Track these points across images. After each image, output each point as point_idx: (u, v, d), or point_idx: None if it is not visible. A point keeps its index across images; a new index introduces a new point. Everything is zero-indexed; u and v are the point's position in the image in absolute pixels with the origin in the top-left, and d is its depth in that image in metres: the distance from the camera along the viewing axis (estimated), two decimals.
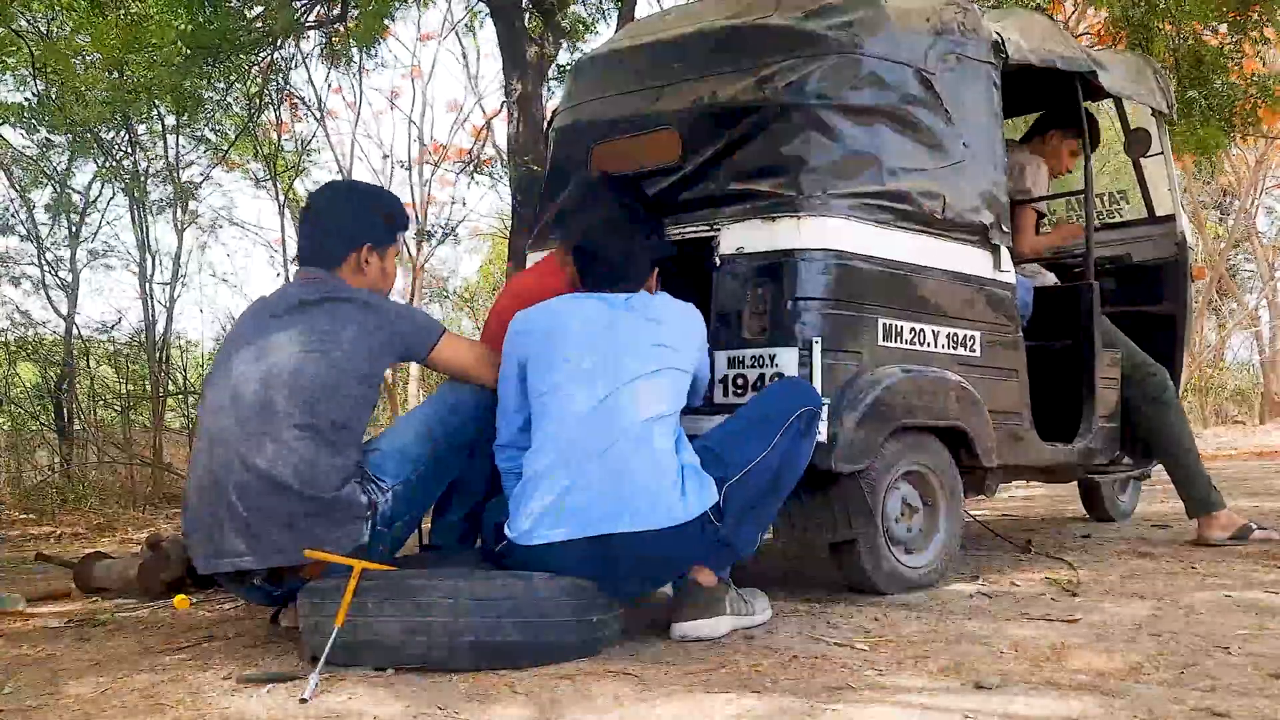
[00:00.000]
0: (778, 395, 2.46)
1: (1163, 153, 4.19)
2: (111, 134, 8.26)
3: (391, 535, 2.39)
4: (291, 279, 2.57)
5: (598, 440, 2.23)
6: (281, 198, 10.14)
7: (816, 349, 2.61)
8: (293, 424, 2.26)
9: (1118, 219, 4.51)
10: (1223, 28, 6.23)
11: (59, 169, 8.83)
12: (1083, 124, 3.69)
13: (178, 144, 8.85)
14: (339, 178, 14.24)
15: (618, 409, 2.25)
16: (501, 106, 8.15)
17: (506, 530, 2.29)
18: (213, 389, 2.39)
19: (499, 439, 2.46)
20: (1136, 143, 4.01)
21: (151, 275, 8.47)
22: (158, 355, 8.33)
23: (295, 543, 2.23)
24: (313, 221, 2.55)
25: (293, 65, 8.23)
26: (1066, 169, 4.18)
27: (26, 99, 7.59)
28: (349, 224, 2.52)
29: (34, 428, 8.32)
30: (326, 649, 2.04)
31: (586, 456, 2.22)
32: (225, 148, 9.47)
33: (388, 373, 2.50)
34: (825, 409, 2.54)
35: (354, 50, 7.36)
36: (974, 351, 3.03)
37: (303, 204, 2.68)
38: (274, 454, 2.24)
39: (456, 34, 14.08)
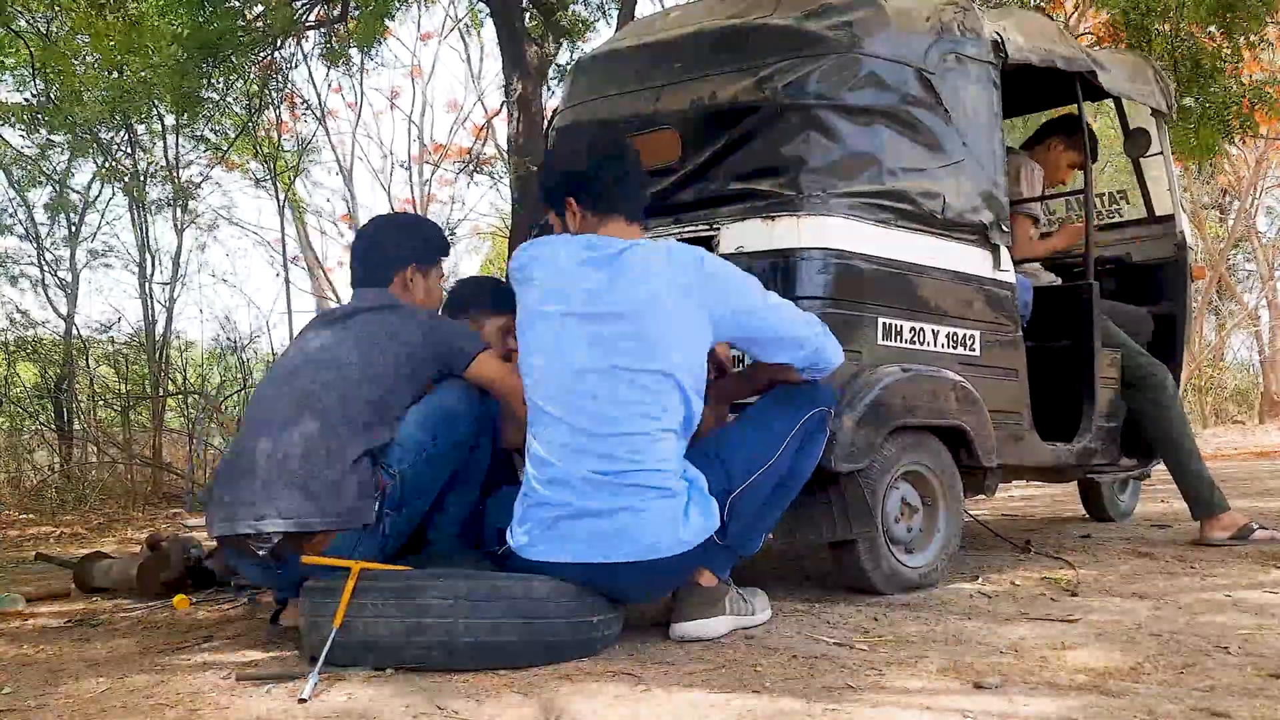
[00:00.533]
0: (787, 396, 2.42)
1: (1162, 152, 4.19)
2: (111, 134, 8.26)
3: (396, 519, 2.42)
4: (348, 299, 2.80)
5: (591, 462, 2.18)
6: (281, 197, 10.14)
7: None
8: (328, 416, 2.37)
9: (1118, 219, 4.51)
10: (1217, 30, 6.25)
11: (58, 169, 8.83)
12: (1084, 129, 3.69)
13: (177, 144, 8.86)
14: (338, 173, 14.24)
15: (603, 429, 2.19)
16: (502, 106, 8.15)
17: (509, 537, 2.28)
18: (266, 385, 2.58)
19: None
20: (1136, 143, 4.01)
21: (151, 275, 8.48)
22: (157, 355, 8.33)
23: (310, 508, 2.30)
24: (364, 248, 2.75)
25: (293, 65, 8.23)
26: (1062, 180, 4.17)
27: (27, 99, 7.59)
28: (394, 247, 2.73)
29: (33, 427, 8.32)
30: (325, 649, 2.04)
31: (583, 480, 2.18)
32: (225, 148, 9.47)
33: None
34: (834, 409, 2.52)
35: (353, 51, 7.36)
36: (974, 351, 3.03)
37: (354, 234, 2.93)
38: (305, 440, 2.34)
39: (459, 32, 14.09)
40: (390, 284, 2.68)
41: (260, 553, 2.33)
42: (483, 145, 10.79)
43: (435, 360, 2.53)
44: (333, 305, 14.79)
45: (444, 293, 2.89)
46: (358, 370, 2.43)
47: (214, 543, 2.70)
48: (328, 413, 2.37)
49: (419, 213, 14.90)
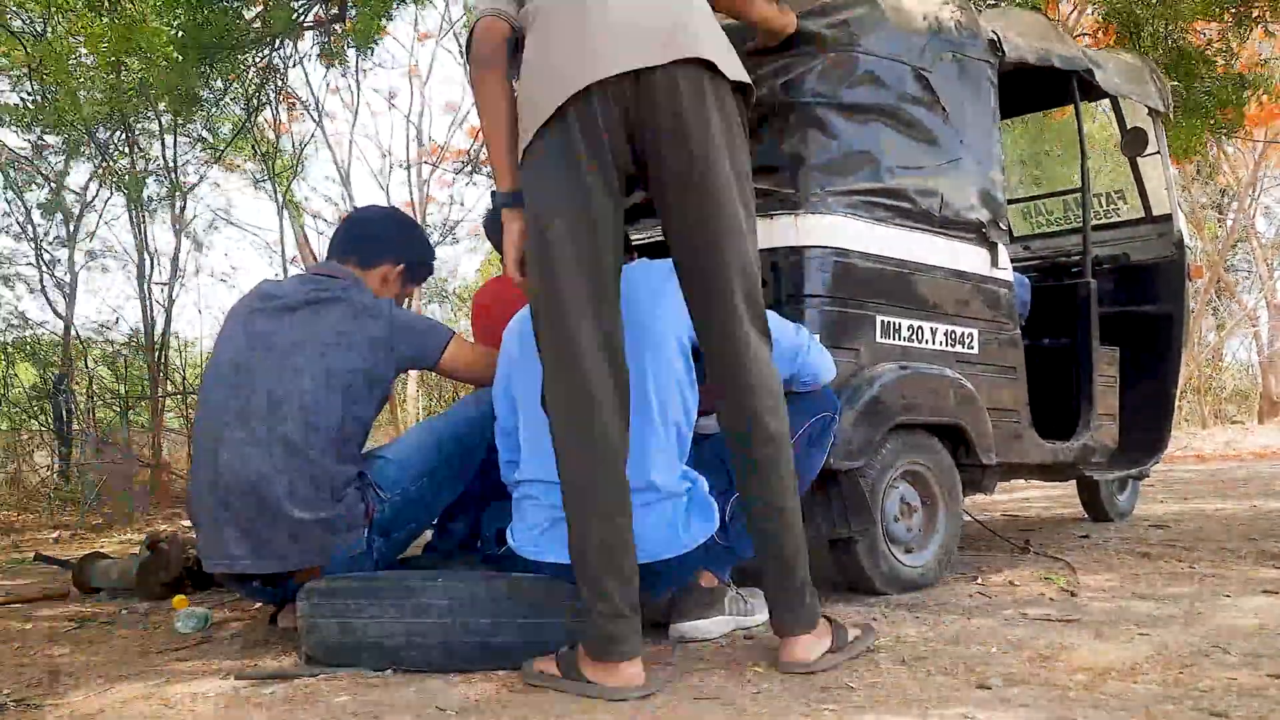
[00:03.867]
0: (792, 400, 2.38)
1: (1159, 152, 4.20)
2: (108, 134, 8.26)
3: (389, 543, 2.38)
4: (311, 269, 2.60)
5: None
6: (279, 198, 10.13)
7: None
8: (296, 430, 2.26)
9: (1115, 219, 4.52)
10: (1213, 25, 6.23)
11: (55, 169, 8.82)
12: (1080, 119, 3.69)
13: (175, 144, 8.84)
14: (335, 181, 14.22)
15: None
16: None
17: (509, 537, 2.28)
18: (217, 383, 2.37)
19: (502, 456, 2.42)
20: (1133, 142, 4.02)
21: (149, 275, 8.47)
22: (156, 355, 8.33)
23: (295, 551, 2.25)
24: (361, 223, 2.64)
25: (291, 65, 8.22)
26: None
27: (22, 99, 7.58)
28: (393, 239, 2.62)
29: (33, 428, 8.31)
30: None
31: None
32: (222, 148, 9.47)
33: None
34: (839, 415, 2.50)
35: (351, 51, 7.36)
36: (972, 349, 3.04)
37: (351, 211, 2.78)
38: (277, 463, 2.24)
39: (455, 34, 14.08)
40: (373, 268, 2.56)
41: (254, 584, 2.33)
42: (481, 146, 10.77)
43: (402, 361, 2.44)
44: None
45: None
46: (322, 384, 2.29)
47: None
48: (299, 438, 2.25)
49: (422, 211, 14.92)
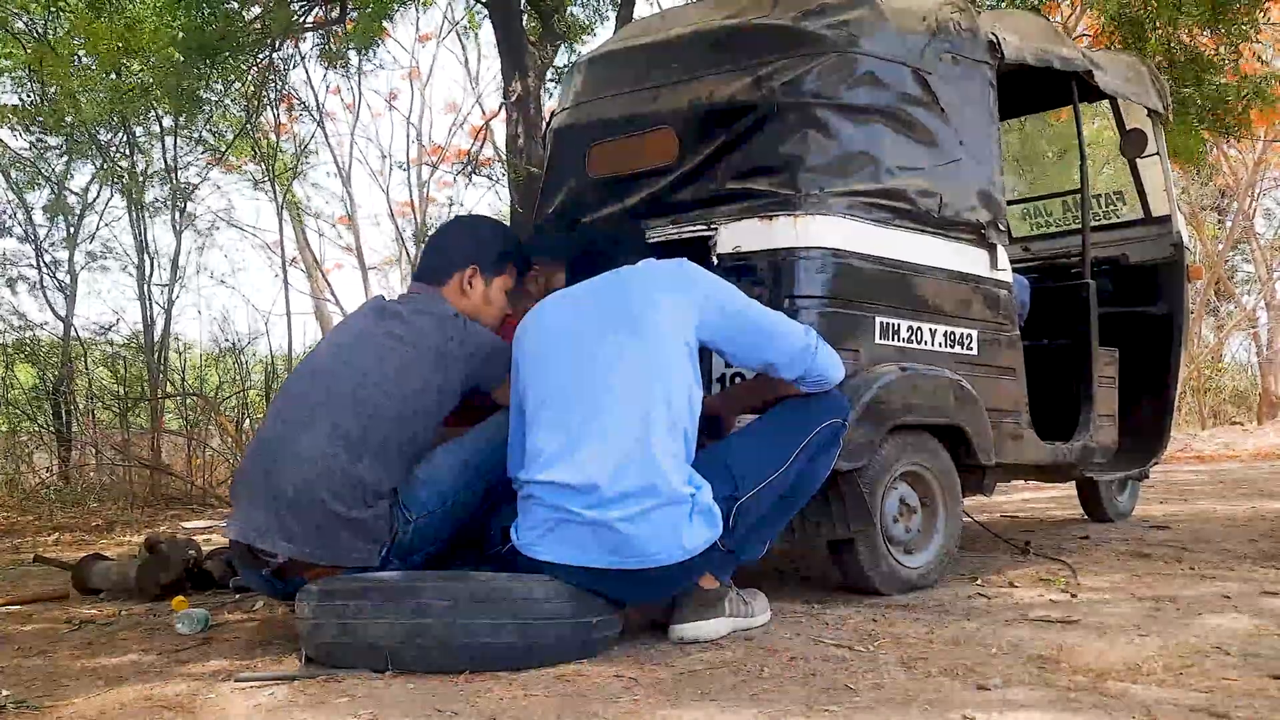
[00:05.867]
0: (802, 405, 2.40)
1: (1159, 153, 4.20)
2: (109, 135, 8.26)
3: (404, 566, 2.37)
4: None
5: (595, 466, 2.16)
6: (280, 200, 10.13)
7: None
8: (350, 433, 2.29)
9: (1115, 220, 4.52)
10: (1213, 30, 6.26)
11: (56, 171, 8.82)
12: (1079, 120, 3.69)
13: (175, 145, 8.84)
14: (336, 175, 14.23)
15: (605, 433, 2.18)
16: (500, 107, 8.13)
17: (513, 536, 2.27)
18: (299, 378, 2.50)
19: (510, 470, 2.38)
20: (1132, 143, 4.02)
21: (149, 277, 8.46)
22: (156, 357, 8.32)
23: (316, 544, 2.27)
24: (431, 241, 2.68)
25: (291, 66, 8.22)
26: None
27: (23, 99, 7.59)
28: (459, 244, 2.62)
29: (32, 430, 8.30)
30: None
31: (586, 484, 2.15)
32: (223, 149, 9.46)
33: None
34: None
35: (352, 52, 7.36)
36: (971, 350, 3.04)
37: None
38: (325, 460, 2.27)
39: (457, 34, 14.09)
40: (446, 284, 2.56)
41: (264, 572, 2.33)
42: (481, 147, 10.77)
43: (470, 379, 2.46)
44: (331, 306, 14.75)
45: (506, 309, 2.68)
46: (395, 394, 2.33)
47: (213, 545, 2.69)
48: (357, 442, 2.28)
49: (422, 213, 14.90)
